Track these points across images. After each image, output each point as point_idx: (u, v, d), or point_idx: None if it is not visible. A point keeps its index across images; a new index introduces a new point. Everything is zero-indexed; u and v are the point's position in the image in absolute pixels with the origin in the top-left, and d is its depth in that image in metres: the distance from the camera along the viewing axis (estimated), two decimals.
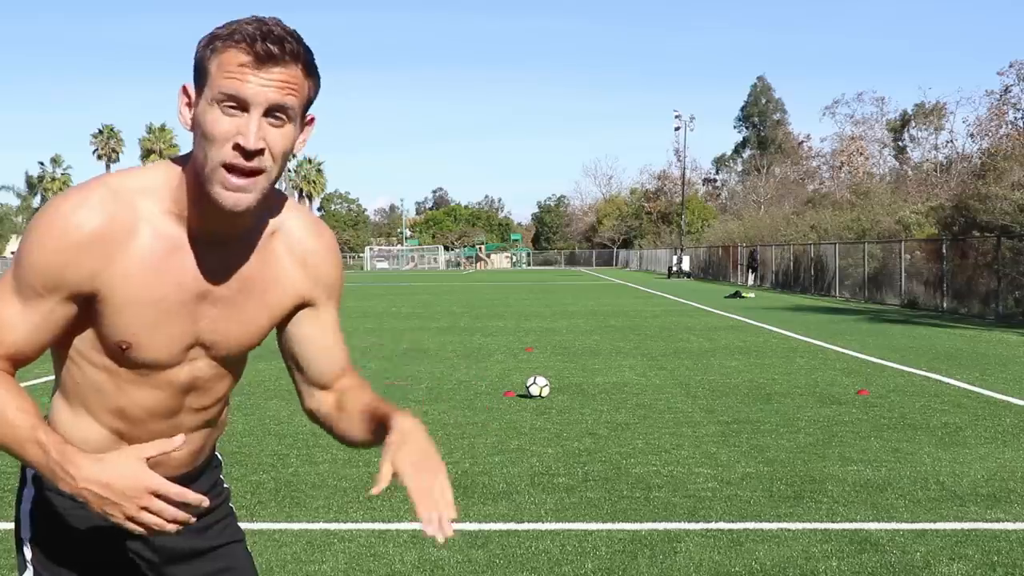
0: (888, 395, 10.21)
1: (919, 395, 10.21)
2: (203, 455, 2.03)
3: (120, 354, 1.80)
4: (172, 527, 1.66)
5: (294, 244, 1.90)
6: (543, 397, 9.80)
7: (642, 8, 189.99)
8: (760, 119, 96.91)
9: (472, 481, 6.44)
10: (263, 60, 1.66)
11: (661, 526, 5.44)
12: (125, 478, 1.64)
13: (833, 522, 5.51)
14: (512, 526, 5.44)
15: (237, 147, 1.66)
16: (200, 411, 1.94)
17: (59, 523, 1.87)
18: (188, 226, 1.77)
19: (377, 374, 11.97)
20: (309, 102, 1.76)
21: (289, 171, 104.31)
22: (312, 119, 1.80)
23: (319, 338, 1.99)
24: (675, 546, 5.07)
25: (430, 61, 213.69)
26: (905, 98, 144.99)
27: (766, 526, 5.43)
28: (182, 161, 1.79)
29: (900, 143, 63.66)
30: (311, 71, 1.73)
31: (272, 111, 1.68)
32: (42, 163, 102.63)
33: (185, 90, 1.74)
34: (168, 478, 1.87)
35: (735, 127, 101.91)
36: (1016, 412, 9.20)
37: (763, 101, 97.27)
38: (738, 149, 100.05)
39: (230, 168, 1.67)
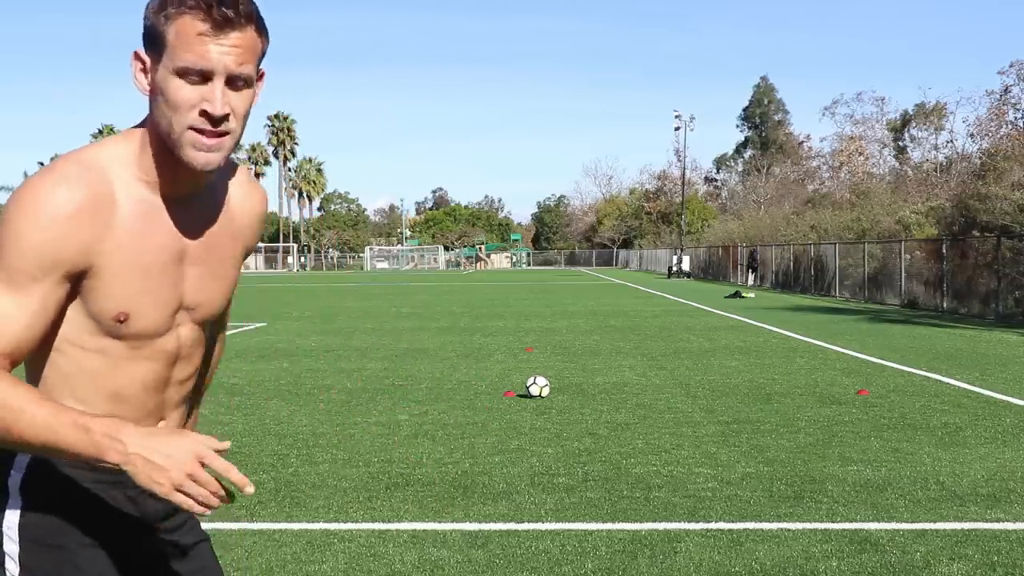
0: (888, 395, 10.21)
1: (919, 395, 10.21)
2: None
3: (117, 328, 1.79)
4: (215, 502, 1.65)
5: (242, 200, 1.99)
6: (543, 397, 9.80)
7: (642, 8, 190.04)
8: (762, 120, 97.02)
9: (472, 481, 6.44)
10: (220, 26, 1.69)
11: (661, 526, 5.44)
12: (175, 444, 1.63)
13: (833, 522, 5.51)
14: (512, 526, 5.44)
15: (204, 114, 1.71)
16: (184, 383, 1.96)
17: (50, 532, 1.82)
18: (152, 188, 1.81)
19: (377, 374, 11.97)
20: (262, 58, 1.81)
21: (289, 171, 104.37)
22: (263, 74, 1.84)
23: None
24: (675, 546, 5.07)
25: (430, 61, 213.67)
26: (905, 98, 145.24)
27: (766, 526, 5.43)
28: (140, 127, 1.82)
29: (900, 143, 63.65)
30: (261, 28, 1.77)
31: (232, 80, 1.73)
32: (42, 163, 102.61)
33: (138, 56, 1.77)
34: None
35: (737, 127, 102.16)
36: (1016, 412, 9.20)
37: (765, 102, 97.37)
38: (739, 149, 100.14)
39: (199, 131, 1.72)
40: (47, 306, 1.71)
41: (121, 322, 1.78)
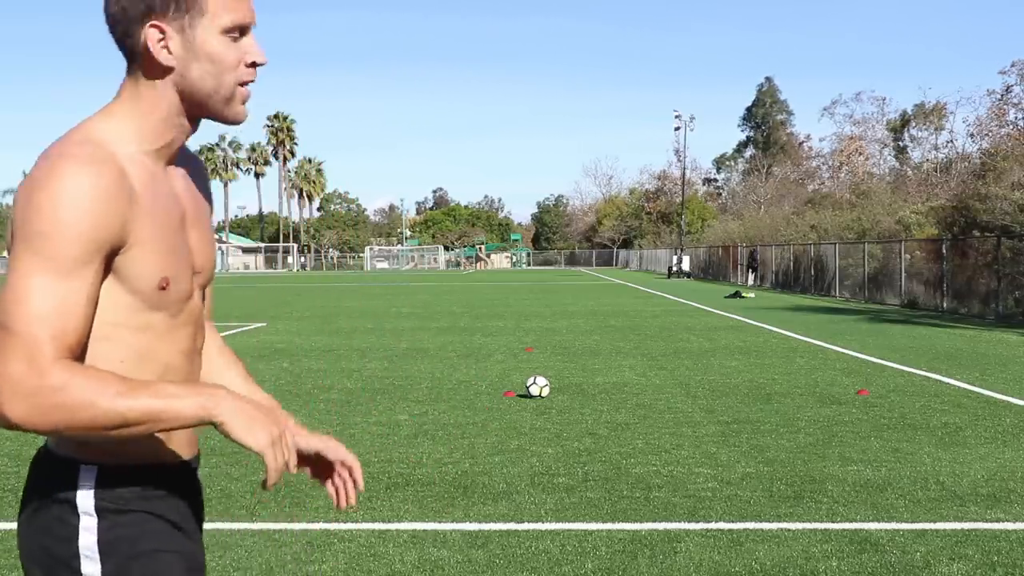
0: (888, 395, 10.21)
1: (919, 395, 10.21)
2: None
3: (160, 298, 1.77)
4: (285, 472, 1.70)
5: (198, 167, 1.98)
6: (543, 397, 9.80)
7: (642, 8, 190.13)
8: (764, 120, 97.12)
9: (472, 481, 6.44)
10: None
11: (661, 526, 5.44)
12: (265, 410, 1.70)
13: (833, 522, 5.51)
14: (512, 526, 5.44)
15: (252, 65, 1.79)
16: (201, 351, 1.95)
17: (131, 544, 1.77)
18: (154, 157, 1.80)
19: (377, 374, 11.97)
20: None
21: (289, 171, 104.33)
22: None
23: None
24: (675, 546, 5.07)
25: (430, 61, 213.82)
26: (905, 98, 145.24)
27: (766, 526, 5.43)
28: (124, 100, 1.79)
29: (900, 143, 63.65)
30: None
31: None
32: None
33: (160, 28, 1.73)
34: (190, 459, 1.91)
35: (739, 127, 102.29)
36: (1016, 412, 9.20)
37: (768, 102, 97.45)
38: (739, 149, 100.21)
39: (244, 84, 1.80)
40: (96, 290, 1.68)
41: (164, 289, 1.76)
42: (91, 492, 1.74)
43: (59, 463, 1.75)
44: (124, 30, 1.75)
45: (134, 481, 1.77)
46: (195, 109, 1.80)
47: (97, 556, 1.73)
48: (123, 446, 1.74)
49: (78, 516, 1.74)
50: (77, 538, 1.73)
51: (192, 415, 1.63)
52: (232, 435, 1.65)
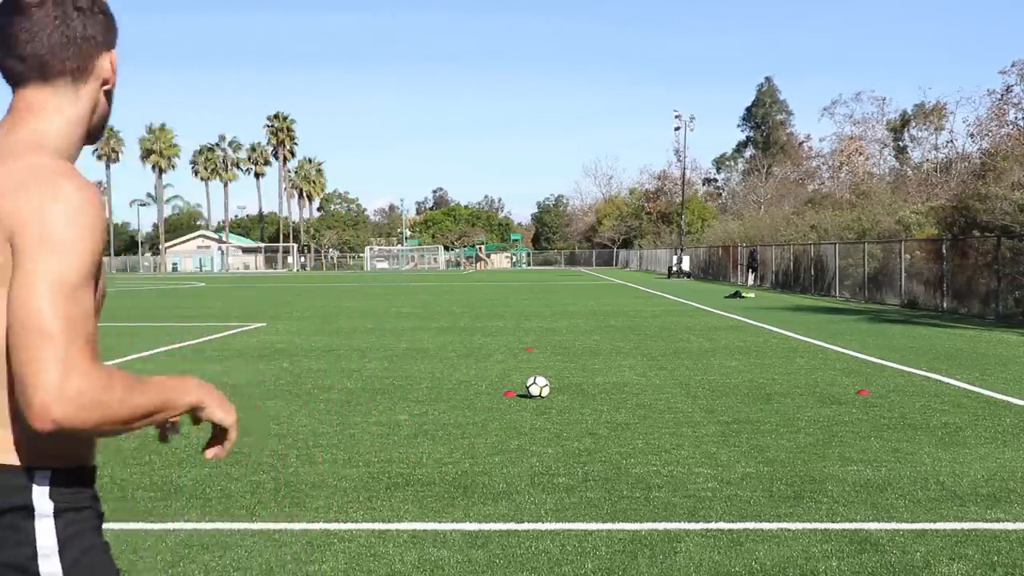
0: (888, 395, 10.21)
1: (919, 395, 10.21)
2: None
3: (100, 304, 1.86)
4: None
5: None
6: (543, 397, 9.80)
7: (642, 8, 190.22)
8: (763, 120, 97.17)
9: (472, 481, 6.44)
10: None
11: (661, 526, 5.44)
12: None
13: (833, 522, 5.51)
14: (512, 526, 5.44)
15: None
16: None
17: (84, 539, 1.82)
18: None
19: (377, 374, 11.97)
20: None
21: (289, 171, 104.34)
22: None
23: None
24: (675, 546, 5.07)
25: (430, 60, 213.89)
26: (905, 98, 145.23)
27: (766, 526, 5.43)
28: (59, 117, 1.87)
29: (900, 143, 63.64)
30: None
31: None
32: None
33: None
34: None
35: (739, 127, 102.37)
36: (1016, 412, 9.20)
37: (768, 102, 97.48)
38: (739, 149, 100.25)
39: None
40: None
41: (103, 295, 1.88)
42: (47, 494, 1.79)
43: (3, 471, 1.77)
44: (84, 52, 1.87)
45: (79, 482, 1.85)
46: (96, 130, 1.95)
47: (56, 554, 1.78)
48: (68, 449, 1.81)
49: (34, 518, 1.78)
50: (34, 540, 1.77)
51: (187, 403, 1.83)
52: (214, 417, 1.89)
